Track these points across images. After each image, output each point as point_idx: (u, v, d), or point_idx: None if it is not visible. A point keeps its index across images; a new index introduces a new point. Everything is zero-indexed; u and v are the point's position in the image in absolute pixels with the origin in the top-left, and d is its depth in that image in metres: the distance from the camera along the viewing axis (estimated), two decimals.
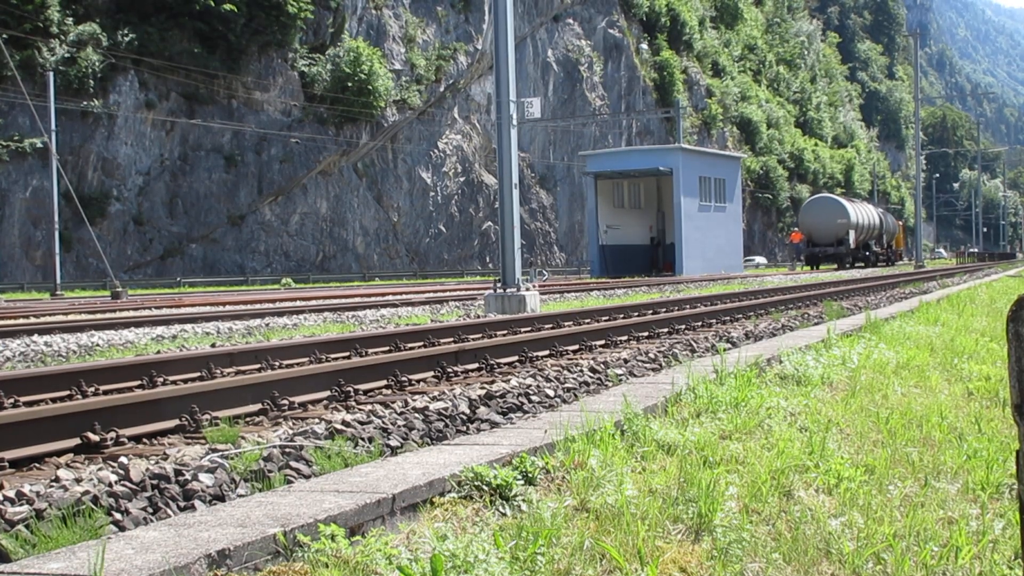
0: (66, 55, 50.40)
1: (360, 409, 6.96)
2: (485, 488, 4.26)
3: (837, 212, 61.29)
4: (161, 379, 8.37)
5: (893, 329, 12.14)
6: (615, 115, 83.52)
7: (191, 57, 55.51)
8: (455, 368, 9.05)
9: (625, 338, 12.35)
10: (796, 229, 66.53)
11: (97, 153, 52.21)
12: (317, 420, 6.44)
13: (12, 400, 7.18)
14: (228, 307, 22.15)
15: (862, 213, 64.77)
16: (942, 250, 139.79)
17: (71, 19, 51.53)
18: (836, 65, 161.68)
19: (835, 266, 61.74)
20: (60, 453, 5.60)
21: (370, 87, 62.53)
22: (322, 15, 63.74)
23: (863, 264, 65.25)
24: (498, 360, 9.69)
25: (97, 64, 51.47)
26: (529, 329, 13.36)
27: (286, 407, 7.11)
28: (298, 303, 23.42)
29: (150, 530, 3.51)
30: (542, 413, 6.58)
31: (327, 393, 7.57)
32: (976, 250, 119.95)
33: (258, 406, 6.97)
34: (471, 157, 72.68)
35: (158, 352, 11.10)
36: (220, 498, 4.51)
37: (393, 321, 17.17)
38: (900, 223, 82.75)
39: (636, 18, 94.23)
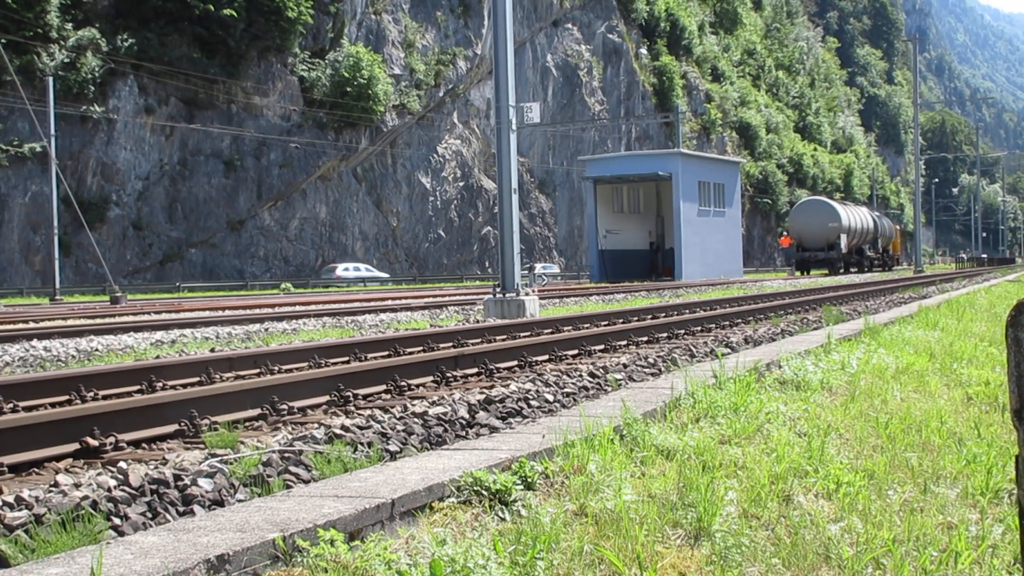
0: (65, 60, 50.43)
1: (359, 414, 6.96)
2: (484, 493, 4.25)
3: (828, 215, 59.45)
4: (160, 384, 8.37)
5: (892, 334, 12.14)
6: (614, 120, 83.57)
7: (190, 62, 55.55)
8: (454, 373, 9.05)
9: (624, 343, 12.35)
10: (786, 233, 64.27)
11: (96, 158, 52.23)
12: (316, 425, 6.43)
13: (11, 405, 7.18)
14: (227, 312, 22.15)
15: (855, 216, 63.07)
16: (963, 254, 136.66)
17: (71, 24, 51.57)
18: (835, 70, 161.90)
19: (826, 271, 59.80)
20: (59, 458, 5.60)
21: (369, 92, 62.58)
22: (321, 20, 63.80)
23: (856, 269, 63.38)
24: (497, 365, 9.69)
25: (97, 69, 51.50)
26: (528, 334, 13.36)
27: (285, 412, 7.11)
28: (297, 308, 23.42)
29: (149, 535, 3.51)
30: (541, 418, 6.57)
31: (326, 398, 7.57)
32: (986, 255, 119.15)
33: (257, 411, 6.97)
34: (470, 162, 72.72)
35: (157, 357, 11.10)
36: (219, 503, 4.50)
37: (392, 326, 17.17)
38: (897, 227, 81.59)
39: (635, 23, 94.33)
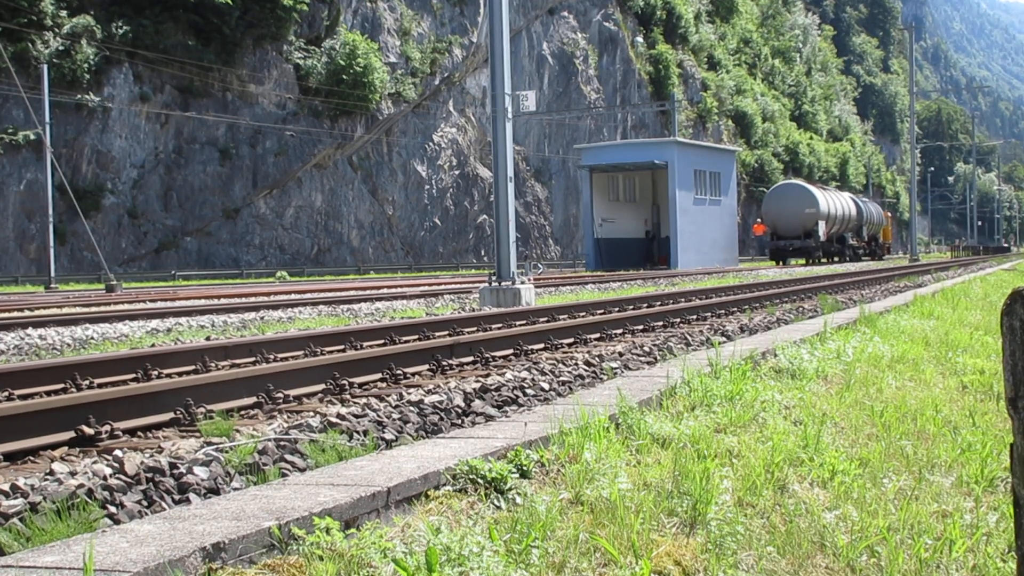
0: (60, 48, 50.24)
1: (355, 402, 6.97)
2: (480, 481, 4.26)
3: (805, 201, 54.95)
4: (156, 372, 8.36)
5: (888, 323, 12.15)
6: (610, 108, 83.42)
7: (186, 50, 55.38)
8: (450, 361, 9.05)
9: (620, 331, 12.35)
10: (759, 220, 59.84)
11: (91, 146, 52.08)
12: (312, 413, 6.43)
13: (7, 393, 7.17)
14: (223, 300, 22.12)
15: (835, 202, 58.59)
16: (958, 243, 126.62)
17: (65, 12, 51.36)
18: (831, 59, 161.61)
19: (804, 261, 55.94)
20: (55, 446, 5.60)
21: (365, 80, 62.39)
22: (317, 8, 63.59)
23: (838, 259, 59.27)
24: (493, 353, 9.69)
25: (91, 57, 51.32)
26: (524, 322, 13.36)
27: (281, 400, 7.11)
28: (293, 296, 23.39)
29: (145, 523, 3.50)
30: (537, 406, 6.57)
31: (322, 386, 7.57)
32: (982, 244, 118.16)
33: (253, 399, 6.97)
34: (466, 150, 72.60)
35: (153, 345, 11.09)
36: (215, 491, 4.50)
37: (388, 314, 17.16)
38: (888, 215, 78.90)
39: (631, 11, 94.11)
